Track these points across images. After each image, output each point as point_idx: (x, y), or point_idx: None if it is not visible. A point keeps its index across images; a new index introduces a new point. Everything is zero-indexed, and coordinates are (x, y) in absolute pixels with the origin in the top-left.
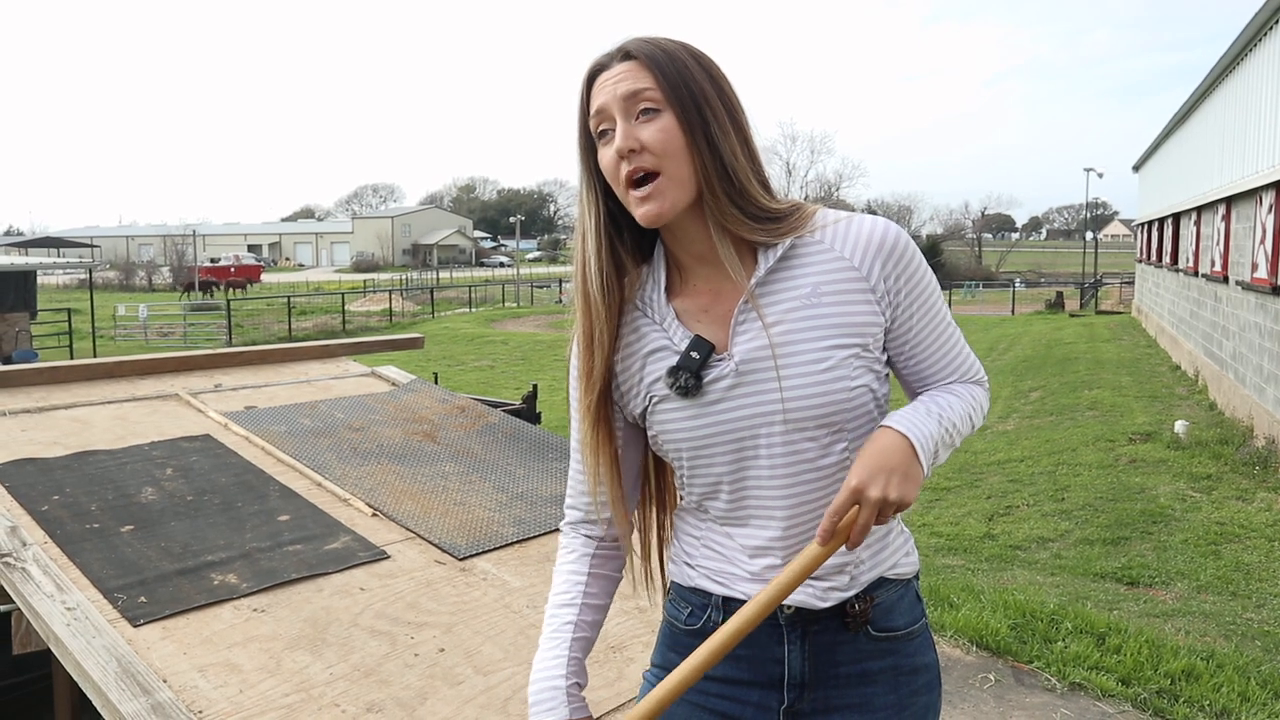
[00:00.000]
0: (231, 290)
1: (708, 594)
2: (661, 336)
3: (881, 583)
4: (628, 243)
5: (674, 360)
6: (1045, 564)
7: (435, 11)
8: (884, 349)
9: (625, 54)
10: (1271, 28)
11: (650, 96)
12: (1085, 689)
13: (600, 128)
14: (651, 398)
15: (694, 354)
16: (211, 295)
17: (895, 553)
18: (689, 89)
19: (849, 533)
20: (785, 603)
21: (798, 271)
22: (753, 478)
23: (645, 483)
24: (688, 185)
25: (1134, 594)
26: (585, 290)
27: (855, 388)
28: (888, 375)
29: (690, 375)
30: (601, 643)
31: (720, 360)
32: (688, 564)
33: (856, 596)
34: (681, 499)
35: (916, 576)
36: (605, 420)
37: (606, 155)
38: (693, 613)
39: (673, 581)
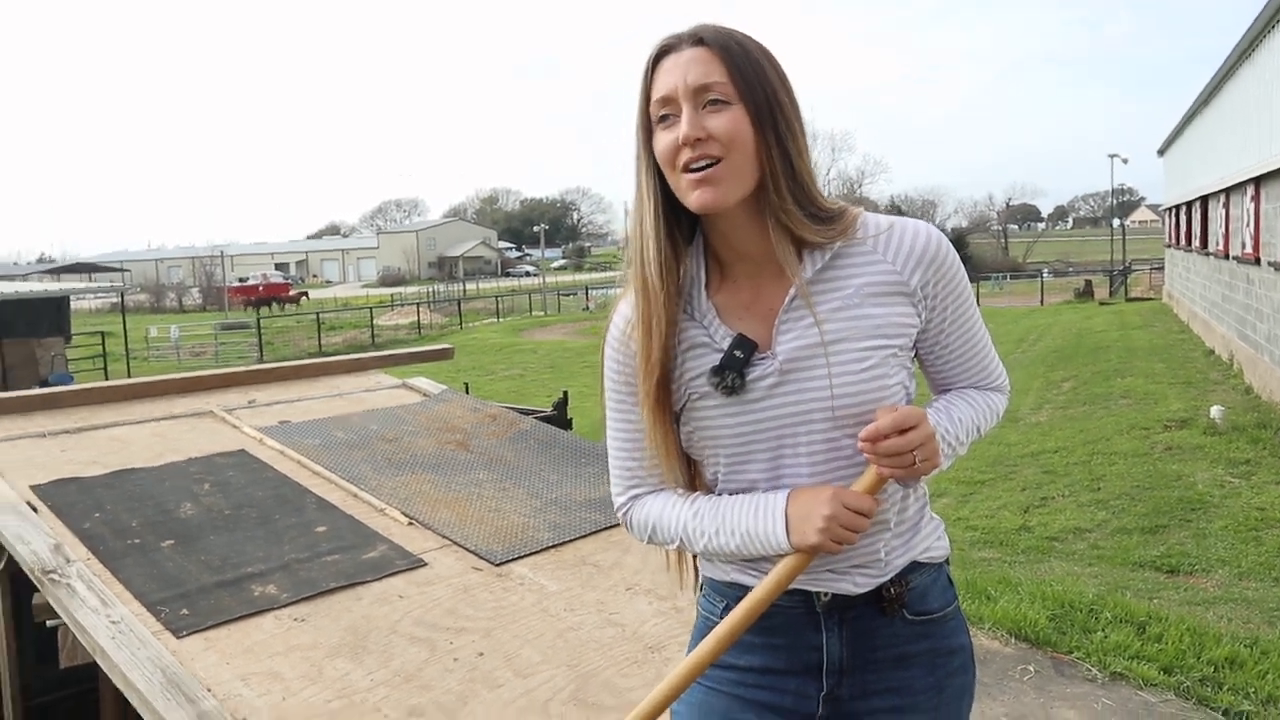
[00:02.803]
0: (285, 305)
1: (744, 587)
2: (701, 333)
3: (915, 567)
4: (685, 229)
5: (714, 357)
6: (1083, 555)
7: (452, 25)
8: (914, 347)
9: (697, 39)
10: None
11: (721, 90)
12: (1126, 678)
13: (662, 113)
14: (691, 394)
15: (737, 353)
16: (267, 310)
17: (927, 537)
18: (761, 85)
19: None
20: (820, 590)
21: (843, 274)
22: (789, 475)
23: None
24: (747, 179)
25: (1174, 582)
26: (644, 275)
27: (892, 385)
28: (914, 371)
29: (736, 375)
30: (639, 643)
31: (763, 359)
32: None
33: (891, 581)
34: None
35: (947, 561)
36: (667, 407)
37: (665, 139)
38: (728, 606)
39: (706, 576)
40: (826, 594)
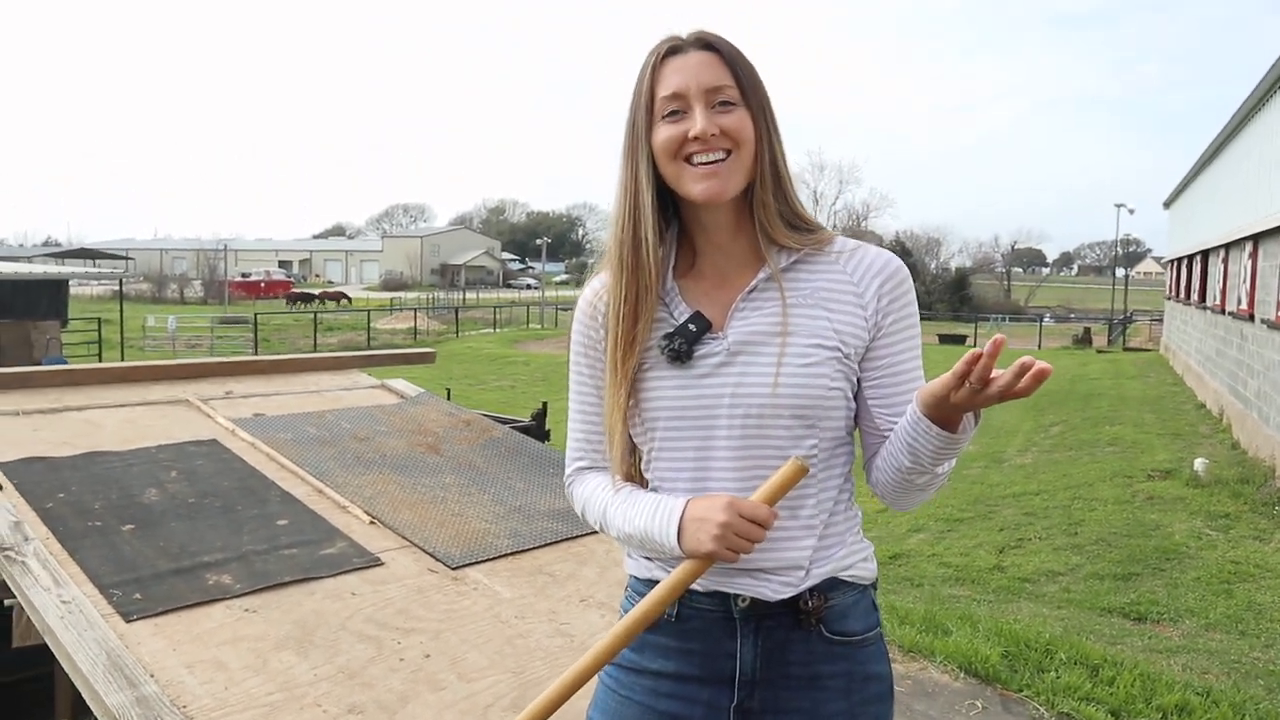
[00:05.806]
0: (325, 302)
1: None
2: (661, 309)
3: (837, 584)
4: (665, 216)
5: (669, 329)
6: (1053, 597)
7: (470, 34)
8: (860, 365)
9: (705, 44)
10: None
11: (730, 94)
12: (1073, 719)
13: (671, 108)
14: (642, 364)
15: (691, 326)
16: (305, 305)
17: (853, 555)
18: (759, 94)
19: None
20: (738, 594)
21: (804, 276)
22: (719, 458)
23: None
24: (746, 177)
25: (1140, 630)
26: (638, 257)
27: (833, 389)
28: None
29: (684, 342)
30: (566, 639)
31: (715, 338)
32: (645, 555)
33: (810, 592)
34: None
35: (874, 585)
36: (629, 381)
37: (672, 131)
38: None
39: (629, 575)
40: (745, 599)
